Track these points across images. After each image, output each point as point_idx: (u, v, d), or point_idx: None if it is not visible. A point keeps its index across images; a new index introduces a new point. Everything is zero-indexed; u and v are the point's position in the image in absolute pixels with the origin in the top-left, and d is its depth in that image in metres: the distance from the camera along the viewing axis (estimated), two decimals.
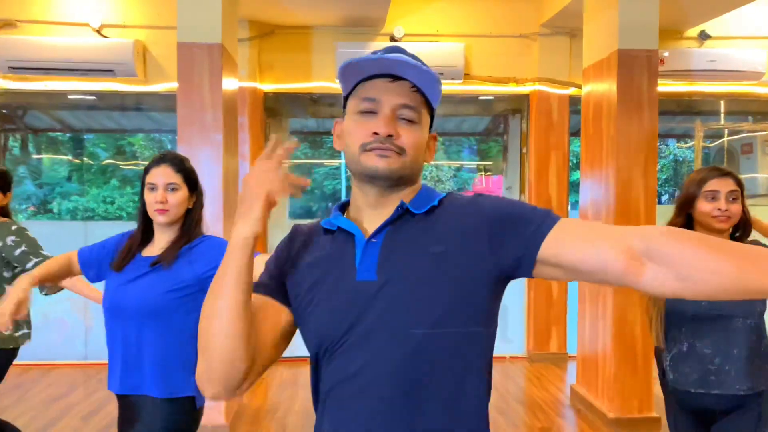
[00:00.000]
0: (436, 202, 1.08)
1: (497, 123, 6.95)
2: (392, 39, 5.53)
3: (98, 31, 5.35)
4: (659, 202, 13.34)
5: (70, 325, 5.41)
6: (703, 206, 2.05)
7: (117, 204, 16.84)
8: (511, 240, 1.03)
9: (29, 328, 3.05)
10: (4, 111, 6.31)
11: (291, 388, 4.97)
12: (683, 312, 2.06)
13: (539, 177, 5.74)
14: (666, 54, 5.41)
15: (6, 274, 2.91)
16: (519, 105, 6.08)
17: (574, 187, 6.48)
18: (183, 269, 1.93)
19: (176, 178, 1.96)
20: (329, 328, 1.03)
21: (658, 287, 0.96)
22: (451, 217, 1.07)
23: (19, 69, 5.23)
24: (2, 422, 3.09)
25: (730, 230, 2.10)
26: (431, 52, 5.45)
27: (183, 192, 1.97)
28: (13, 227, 2.94)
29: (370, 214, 1.09)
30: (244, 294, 1.01)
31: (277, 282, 1.11)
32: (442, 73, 5.48)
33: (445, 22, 5.70)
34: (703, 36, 5.61)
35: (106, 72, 5.26)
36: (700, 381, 2.04)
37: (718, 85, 5.88)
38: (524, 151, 6.04)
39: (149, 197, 1.96)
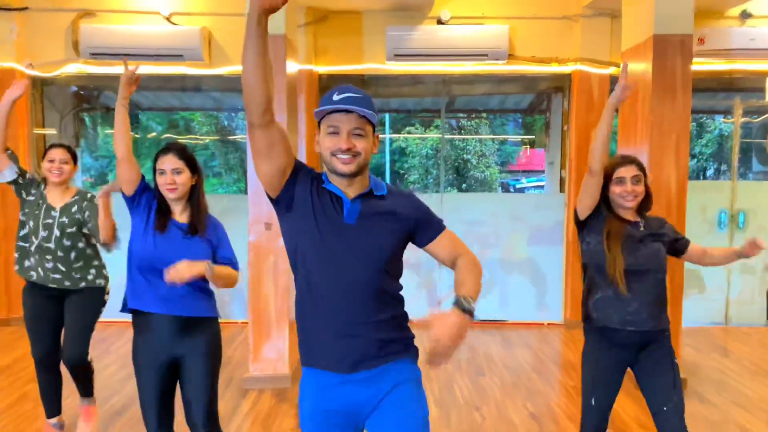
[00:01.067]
0: (385, 191, 1.86)
1: (540, 100, 7.19)
2: (439, 22, 5.83)
3: (168, 19, 5.82)
4: (704, 177, 13.27)
5: None
6: (614, 189, 2.54)
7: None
8: (421, 229, 1.89)
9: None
10: (82, 92, 6.90)
11: None
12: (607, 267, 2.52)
13: (579, 153, 6.00)
14: (706, 32, 5.56)
15: (81, 244, 3.32)
16: (561, 84, 6.30)
17: None
18: (208, 242, 2.56)
19: (180, 164, 2.51)
20: (319, 246, 1.77)
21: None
22: (395, 199, 1.87)
23: (99, 55, 5.77)
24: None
25: (637, 206, 2.58)
26: (477, 35, 5.75)
27: (186, 174, 2.53)
28: (88, 195, 3.37)
29: (344, 187, 1.80)
30: (261, 47, 1.62)
31: (296, 164, 1.83)
32: (486, 54, 5.78)
33: (491, 5, 5.96)
34: (745, 15, 5.72)
35: (176, 57, 5.75)
36: (620, 320, 2.51)
37: (762, 63, 5.99)
38: (565, 128, 6.29)
39: (160, 180, 2.51)
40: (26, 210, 3.29)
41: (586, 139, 5.98)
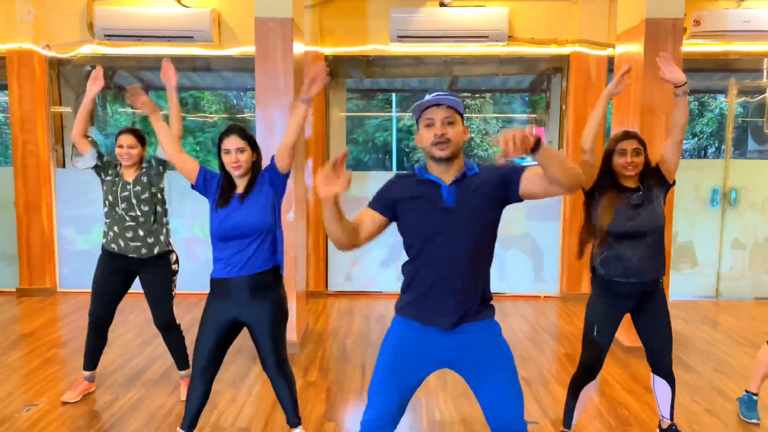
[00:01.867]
0: (476, 170, 2.15)
1: (541, 80, 7.35)
2: (441, 4, 5.98)
3: (178, 1, 6.01)
4: (705, 155, 13.41)
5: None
6: (617, 160, 2.90)
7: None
8: (507, 182, 2.11)
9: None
10: None
11: (348, 317, 5.74)
12: (615, 230, 2.86)
13: (576, 133, 6.18)
14: (702, 14, 5.71)
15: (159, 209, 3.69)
16: (560, 64, 6.46)
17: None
18: (259, 189, 2.86)
19: (242, 143, 2.80)
20: (426, 227, 2.12)
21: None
22: (482, 175, 2.14)
23: (112, 36, 5.97)
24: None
25: (638, 176, 2.91)
26: (477, 17, 5.90)
27: (248, 152, 2.82)
28: (153, 162, 3.70)
29: (442, 173, 2.13)
30: (336, 220, 2.07)
31: (384, 203, 2.18)
32: (487, 36, 5.95)
33: None
34: None
35: (186, 38, 5.95)
36: (623, 273, 2.86)
37: (757, 44, 6.13)
38: (564, 107, 6.46)
39: (226, 158, 2.81)
40: (105, 188, 3.63)
41: (584, 118, 6.15)
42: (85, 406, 3.64)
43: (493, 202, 2.12)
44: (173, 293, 3.76)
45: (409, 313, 2.21)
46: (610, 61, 6.03)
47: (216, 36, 6.01)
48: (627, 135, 2.92)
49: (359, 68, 6.80)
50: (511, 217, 6.40)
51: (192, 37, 5.93)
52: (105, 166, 3.65)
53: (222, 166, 2.85)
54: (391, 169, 17.14)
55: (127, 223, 3.59)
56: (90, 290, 3.73)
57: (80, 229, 6.50)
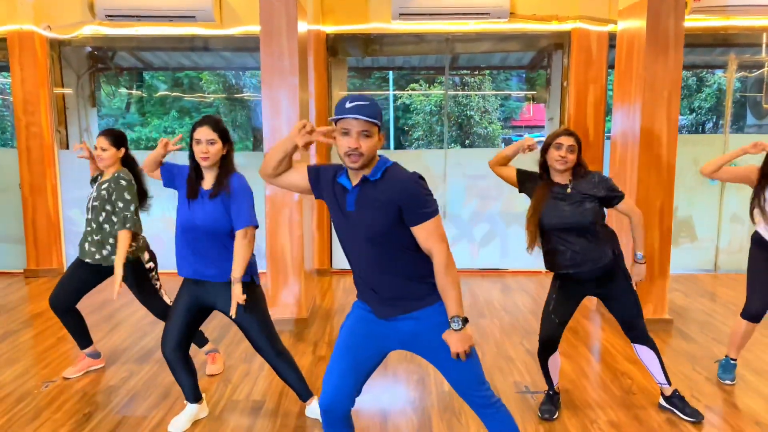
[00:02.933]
0: (379, 175, 2.13)
1: (541, 57, 7.36)
2: None
3: None
4: (703, 130, 13.44)
5: (163, 240, 6.33)
6: (551, 152, 3.02)
7: (178, 133, 17.81)
8: (405, 214, 2.13)
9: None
10: (96, 53, 7.11)
11: (353, 293, 5.79)
12: (544, 224, 2.99)
13: (578, 109, 6.23)
14: None
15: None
16: (561, 41, 6.48)
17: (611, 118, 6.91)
18: (223, 204, 2.90)
19: (213, 135, 2.85)
20: (337, 228, 2.26)
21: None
22: (387, 184, 2.13)
23: (114, 17, 5.96)
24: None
25: (570, 171, 3.03)
26: None
27: (219, 145, 2.87)
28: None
29: (352, 176, 2.19)
30: (284, 158, 2.25)
31: (316, 180, 2.29)
32: (488, 13, 5.96)
33: None
34: None
35: (189, 18, 5.94)
36: (562, 266, 3.02)
37: (757, 19, 6.15)
38: (565, 84, 6.49)
39: (196, 149, 2.88)
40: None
41: (585, 95, 6.21)
42: (102, 382, 3.73)
43: (387, 216, 2.12)
44: (156, 287, 3.76)
45: (359, 296, 2.36)
46: (611, 37, 6.05)
47: (218, 15, 6.01)
48: (566, 132, 3.03)
49: (360, 46, 6.80)
50: (512, 194, 6.44)
51: (194, 16, 5.92)
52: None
53: (192, 155, 2.91)
54: (388, 148, 17.16)
55: (86, 228, 3.63)
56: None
57: (85, 210, 6.54)
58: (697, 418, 3.16)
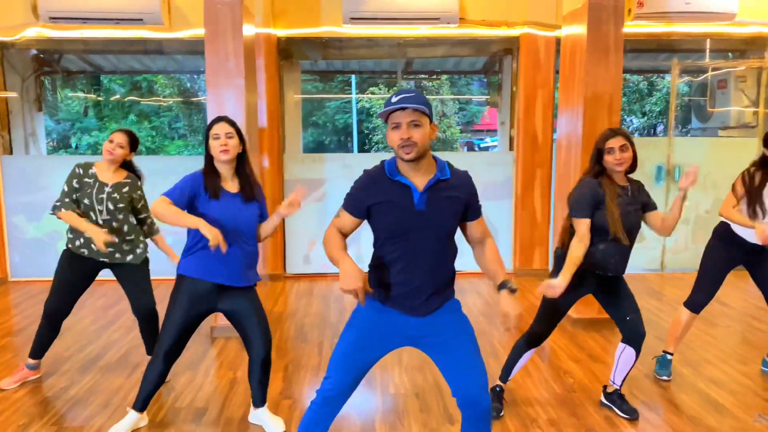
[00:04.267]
0: (448, 174, 2.23)
1: (493, 61, 7.46)
2: None
3: None
4: (654, 133, 13.83)
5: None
6: (607, 159, 3.03)
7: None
8: (469, 210, 2.30)
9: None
10: (41, 56, 6.94)
11: (306, 298, 5.80)
12: (607, 227, 3.01)
13: (527, 113, 6.34)
14: None
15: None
16: (510, 46, 6.58)
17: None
18: (260, 202, 3.01)
19: (231, 130, 2.92)
20: (395, 226, 2.21)
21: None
22: (456, 181, 2.25)
23: (58, 18, 5.83)
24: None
25: (628, 168, 3.06)
26: None
27: (236, 139, 2.92)
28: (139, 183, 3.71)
29: (412, 174, 2.21)
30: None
31: (360, 207, 2.26)
32: (438, 18, 6.02)
33: None
34: None
35: (136, 21, 5.85)
36: (602, 268, 3.09)
37: (699, 26, 6.35)
38: (515, 89, 6.59)
39: (214, 144, 2.89)
40: (80, 192, 3.56)
41: (533, 99, 6.31)
42: (40, 394, 3.63)
43: (456, 213, 2.26)
44: (150, 283, 3.76)
45: (374, 294, 2.31)
46: (558, 42, 6.15)
47: (166, 18, 5.93)
48: (613, 133, 3.03)
49: (315, 49, 6.80)
50: None
51: (141, 19, 5.83)
52: (78, 178, 3.56)
53: (208, 155, 2.92)
54: (352, 151, 17.16)
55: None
56: (43, 279, 3.70)
57: (31, 217, 6.37)
58: (632, 415, 3.24)
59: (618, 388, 3.34)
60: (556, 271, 3.08)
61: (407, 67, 7.70)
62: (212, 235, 2.65)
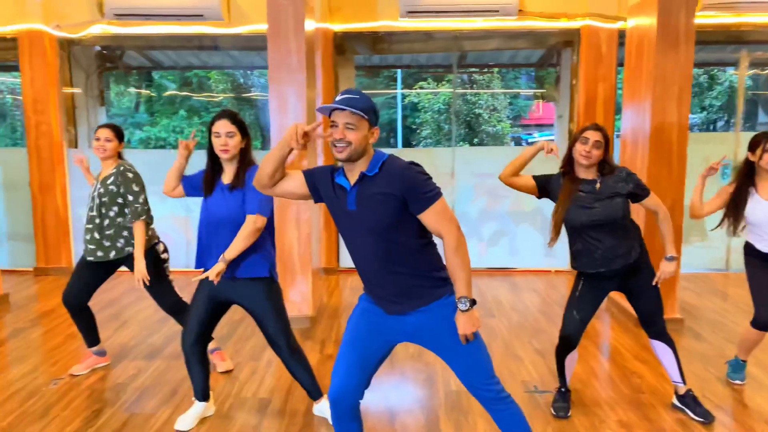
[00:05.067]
0: (377, 169, 2.12)
1: (550, 54, 7.32)
2: None
3: None
4: (714, 129, 13.33)
5: (174, 239, 6.35)
6: (577, 146, 2.98)
7: (186, 133, 17.84)
8: (409, 202, 2.12)
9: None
10: (104, 52, 7.13)
11: (360, 292, 5.79)
12: (574, 222, 2.94)
13: (587, 107, 6.19)
14: None
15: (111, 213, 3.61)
16: (570, 38, 6.43)
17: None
18: (246, 192, 2.88)
19: (232, 128, 2.87)
20: (339, 228, 2.25)
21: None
22: (385, 177, 2.12)
23: (122, 15, 5.97)
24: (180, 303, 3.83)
25: (595, 166, 2.99)
26: None
27: (238, 137, 2.89)
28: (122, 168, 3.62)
29: (348, 173, 2.18)
30: (279, 162, 2.22)
31: (312, 185, 2.26)
32: (497, 10, 5.93)
33: None
34: None
35: (197, 16, 5.94)
36: (594, 265, 2.98)
37: None
38: (574, 82, 6.45)
39: (216, 142, 2.88)
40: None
41: (594, 92, 6.16)
42: (110, 380, 3.73)
43: (390, 210, 2.11)
44: (168, 280, 3.74)
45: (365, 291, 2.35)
46: (621, 34, 5.99)
47: (225, 14, 6.01)
48: (594, 127, 2.99)
49: (367, 44, 6.79)
50: (521, 192, 6.42)
51: (202, 15, 5.93)
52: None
53: (210, 150, 2.92)
54: (396, 147, 17.14)
55: (86, 225, 3.62)
56: None
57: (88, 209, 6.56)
58: (707, 418, 3.13)
59: (688, 387, 3.23)
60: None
61: (461, 61, 7.62)
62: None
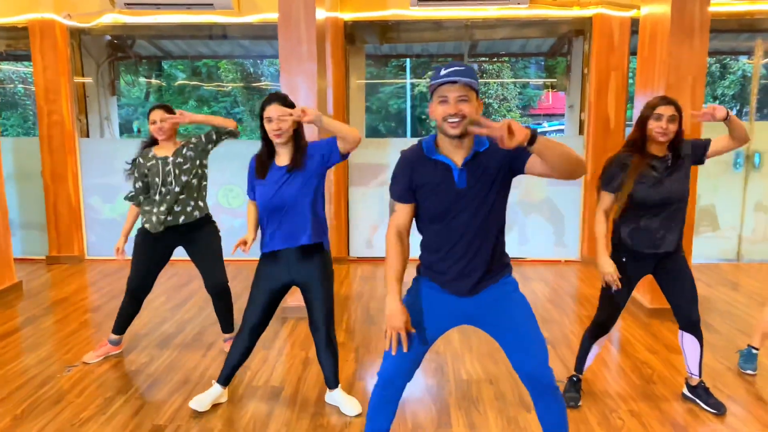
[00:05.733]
0: (486, 145, 2.12)
1: (561, 43, 7.26)
2: None
3: None
4: None
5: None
6: (652, 124, 2.88)
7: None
8: (514, 160, 2.12)
9: None
10: (115, 41, 7.14)
11: (370, 282, 5.83)
12: (644, 200, 2.88)
13: (599, 96, 6.14)
14: None
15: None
16: (582, 27, 6.38)
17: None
18: (308, 167, 2.91)
19: (283, 111, 2.83)
20: (438, 207, 2.16)
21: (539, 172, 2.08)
22: (492, 150, 2.12)
23: (133, 5, 5.98)
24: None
25: (669, 142, 2.91)
26: None
27: (289, 120, 2.84)
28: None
29: (452, 151, 2.14)
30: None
31: (410, 192, 2.21)
32: None
33: None
34: None
35: (207, 5, 5.94)
36: (651, 245, 2.93)
37: None
38: (586, 71, 6.40)
39: (268, 127, 2.86)
40: (144, 174, 3.68)
41: (606, 82, 6.12)
42: (124, 368, 3.77)
43: (500, 180, 2.16)
44: (222, 256, 3.83)
45: (427, 274, 2.29)
46: (634, 22, 5.94)
47: (235, 3, 6.00)
48: (665, 100, 2.89)
49: (377, 34, 6.76)
50: (532, 182, 6.41)
51: (212, 4, 5.92)
52: (138, 168, 3.69)
53: (264, 135, 2.93)
54: (405, 137, 17.10)
55: (166, 197, 3.63)
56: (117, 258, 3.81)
57: (106, 198, 6.61)
58: (719, 410, 3.12)
59: (700, 379, 3.22)
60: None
61: (471, 50, 7.57)
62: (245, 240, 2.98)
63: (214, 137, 3.67)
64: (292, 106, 2.90)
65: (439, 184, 2.13)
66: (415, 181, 2.17)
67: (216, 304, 3.89)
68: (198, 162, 3.69)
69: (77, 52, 6.58)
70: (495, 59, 12.03)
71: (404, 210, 2.24)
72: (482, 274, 2.21)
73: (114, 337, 3.93)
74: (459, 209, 2.14)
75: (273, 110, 2.84)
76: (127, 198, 3.77)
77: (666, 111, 2.86)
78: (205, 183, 3.78)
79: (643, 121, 2.92)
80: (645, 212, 2.94)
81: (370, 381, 3.58)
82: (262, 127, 2.91)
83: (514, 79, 13.92)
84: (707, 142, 3.01)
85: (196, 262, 3.79)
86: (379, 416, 2.39)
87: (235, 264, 5.97)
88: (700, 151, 2.99)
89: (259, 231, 3.12)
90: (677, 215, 2.96)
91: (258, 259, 3.12)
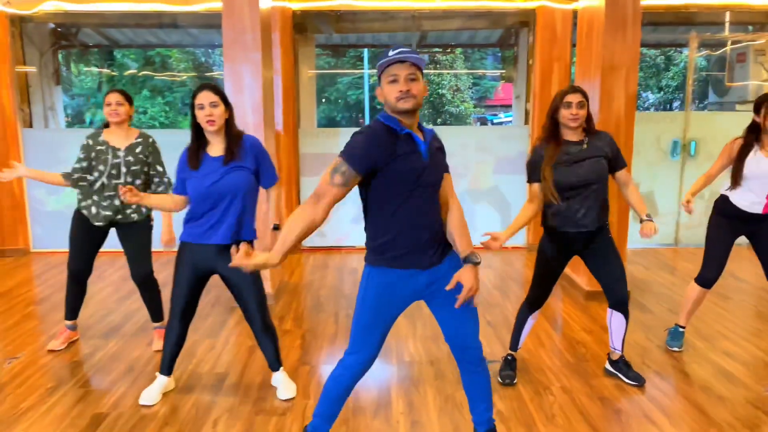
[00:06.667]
0: (432, 132, 2.34)
1: (509, 35, 7.41)
2: None
3: None
4: (670, 109, 13.67)
5: None
6: (563, 112, 3.06)
7: (150, 113, 17.55)
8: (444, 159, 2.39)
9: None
10: (59, 29, 6.99)
11: (321, 270, 5.88)
12: (563, 182, 3.04)
13: (543, 87, 6.31)
14: None
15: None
16: (527, 19, 6.53)
17: None
18: (243, 159, 2.94)
19: (215, 98, 2.88)
20: (408, 179, 2.22)
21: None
22: (437, 143, 2.36)
23: None
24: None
25: (582, 127, 3.11)
26: None
27: (221, 107, 2.90)
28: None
29: (412, 127, 2.23)
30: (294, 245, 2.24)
31: (369, 164, 2.17)
32: None
33: None
34: None
35: None
36: (574, 225, 3.09)
37: None
38: (530, 62, 6.56)
39: (200, 114, 2.88)
40: (95, 161, 3.63)
41: (550, 72, 6.28)
42: (66, 358, 3.75)
43: (444, 161, 2.41)
44: (151, 248, 3.84)
45: (385, 263, 2.33)
46: (575, 15, 6.10)
47: None
48: (573, 89, 3.08)
49: (329, 23, 6.78)
50: (479, 171, 6.56)
51: None
52: (85, 159, 3.65)
53: (194, 124, 2.93)
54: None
55: (108, 193, 3.62)
56: (63, 250, 3.80)
57: (51, 190, 6.48)
58: (639, 381, 3.30)
59: (621, 354, 3.39)
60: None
61: (421, 41, 7.67)
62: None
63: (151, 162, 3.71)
64: (223, 94, 2.93)
65: (409, 156, 2.19)
66: (385, 154, 2.15)
67: (142, 294, 3.89)
68: (146, 169, 3.69)
69: (18, 40, 6.42)
70: (446, 50, 12.15)
71: (351, 180, 2.15)
72: (438, 245, 2.33)
73: (69, 323, 3.94)
74: (423, 181, 2.24)
75: (204, 97, 2.85)
76: (64, 174, 3.67)
77: (574, 98, 3.04)
78: (149, 190, 3.74)
79: (554, 111, 3.11)
80: (566, 193, 3.08)
81: (316, 366, 3.65)
82: (193, 115, 2.91)
83: (466, 71, 14.08)
84: (624, 165, 3.22)
85: (124, 248, 3.79)
86: (339, 404, 2.52)
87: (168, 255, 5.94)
88: (617, 164, 3.18)
89: (178, 215, 3.14)
90: (597, 194, 3.10)
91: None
